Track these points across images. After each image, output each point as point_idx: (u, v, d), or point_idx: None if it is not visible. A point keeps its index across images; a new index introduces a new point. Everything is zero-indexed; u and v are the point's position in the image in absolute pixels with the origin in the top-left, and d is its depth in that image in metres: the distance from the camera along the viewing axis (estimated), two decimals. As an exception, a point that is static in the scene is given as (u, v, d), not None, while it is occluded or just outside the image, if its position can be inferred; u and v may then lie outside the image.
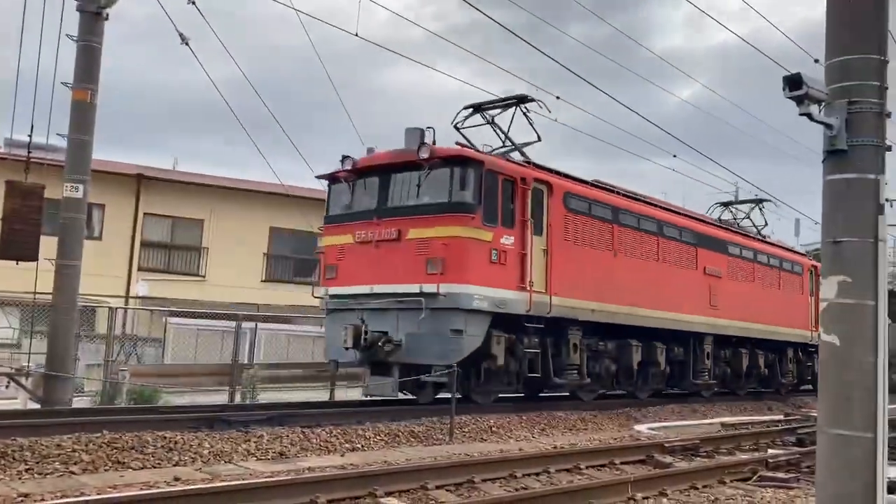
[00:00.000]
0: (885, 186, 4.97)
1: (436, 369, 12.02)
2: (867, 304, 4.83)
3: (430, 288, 11.90)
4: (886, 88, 5.01)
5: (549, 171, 14.22)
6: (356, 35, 13.00)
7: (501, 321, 12.62)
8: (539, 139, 14.63)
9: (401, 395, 13.48)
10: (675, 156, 19.24)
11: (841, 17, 5.08)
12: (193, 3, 12.62)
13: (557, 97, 14.45)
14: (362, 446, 9.86)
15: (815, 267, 21.92)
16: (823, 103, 5.00)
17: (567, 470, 8.90)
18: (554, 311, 13.32)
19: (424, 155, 12.24)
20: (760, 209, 22.57)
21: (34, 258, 12.06)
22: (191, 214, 26.01)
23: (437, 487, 7.47)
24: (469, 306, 12.00)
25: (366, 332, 12.36)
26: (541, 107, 14.20)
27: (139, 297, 23.48)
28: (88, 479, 7.18)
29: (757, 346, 19.90)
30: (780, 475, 9.12)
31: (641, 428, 13.39)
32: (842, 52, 5.02)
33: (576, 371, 14.17)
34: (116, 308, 16.22)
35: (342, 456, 9.19)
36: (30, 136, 12.29)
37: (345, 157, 13.49)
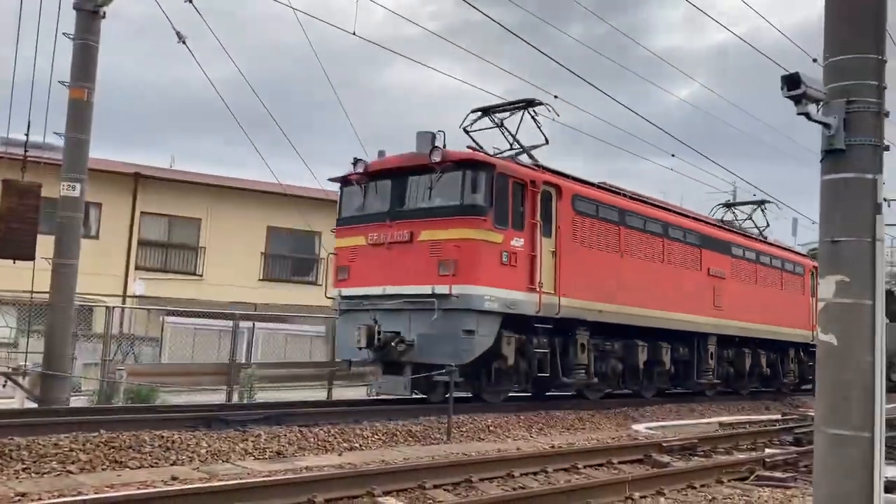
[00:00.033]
0: (883, 186, 4.98)
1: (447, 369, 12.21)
2: (865, 304, 4.83)
3: (442, 289, 12.11)
4: (885, 88, 5.02)
5: (558, 173, 14.41)
6: (354, 34, 13.03)
7: (511, 322, 12.82)
8: (546, 142, 14.91)
9: (400, 396, 13.48)
10: (673, 155, 19.30)
11: (839, 16, 5.09)
12: (190, 1, 12.60)
13: (556, 96, 14.52)
14: (360, 445, 9.86)
15: (816, 268, 22.02)
16: (821, 103, 5.00)
17: (565, 469, 8.90)
18: (563, 311, 13.52)
19: (437, 159, 12.42)
20: (762, 210, 22.73)
21: (31, 257, 12.04)
22: (188, 213, 25.98)
23: (435, 487, 7.47)
24: (480, 307, 12.20)
25: (379, 333, 12.55)
26: (549, 110, 14.41)
27: (136, 297, 23.44)
28: (86, 479, 7.17)
29: (759, 346, 20.12)
30: (778, 475, 9.13)
31: (639, 427, 13.41)
32: (840, 51, 5.02)
33: (583, 371, 14.38)
34: (113, 307, 16.17)
35: (340, 455, 9.19)
36: (27, 134, 12.25)
37: (356, 161, 13.66)
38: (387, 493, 7.06)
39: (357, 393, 16.81)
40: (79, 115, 12.49)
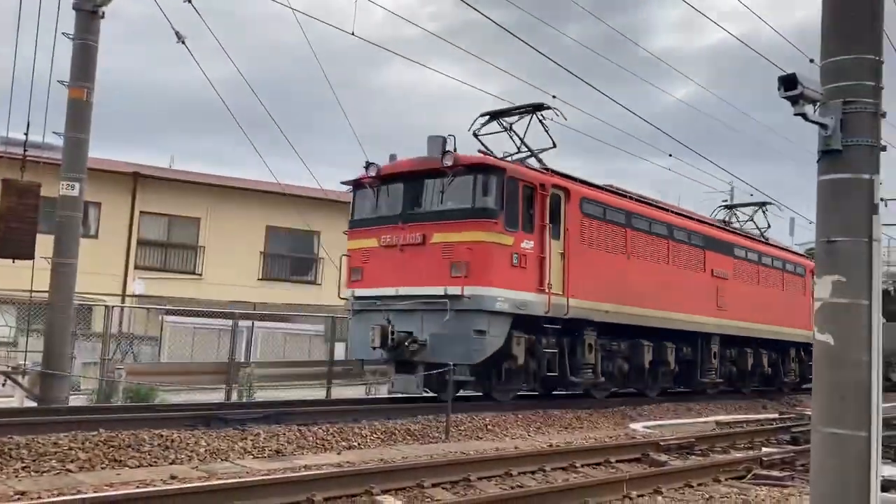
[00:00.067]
0: (880, 186, 5.00)
1: (458, 368, 12.46)
2: (861, 304, 4.85)
3: (454, 290, 12.35)
4: (882, 88, 5.04)
5: (566, 176, 14.65)
6: (353, 34, 13.07)
7: (521, 322, 13.05)
8: (554, 145, 15.07)
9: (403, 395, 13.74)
10: (670, 155, 19.36)
11: (837, 17, 5.11)
12: (189, 1, 12.61)
13: (554, 96, 14.59)
14: (359, 444, 9.88)
15: None
16: (818, 103, 5.02)
17: (563, 468, 8.93)
18: (571, 312, 13.76)
19: (449, 163, 12.68)
20: (763, 212, 22.83)
21: (30, 256, 12.04)
22: (187, 213, 25.97)
23: (434, 485, 7.50)
24: (492, 308, 12.44)
25: (393, 333, 12.74)
26: (557, 114, 14.59)
27: (135, 296, 23.43)
28: (85, 477, 7.19)
29: (761, 345, 20.35)
30: (775, 473, 9.16)
31: (637, 426, 13.45)
32: (837, 52, 5.04)
33: (591, 370, 14.60)
34: (113, 306, 16.18)
35: (338, 454, 9.21)
36: (26, 134, 12.25)
37: (369, 164, 13.89)
38: (385, 492, 7.08)
39: (356, 392, 16.83)
40: (78, 115, 12.50)
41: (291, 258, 27.77)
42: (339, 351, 17.88)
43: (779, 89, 4.89)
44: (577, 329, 14.29)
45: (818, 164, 5.09)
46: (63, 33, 12.42)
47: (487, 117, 15.01)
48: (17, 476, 7.07)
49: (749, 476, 9.07)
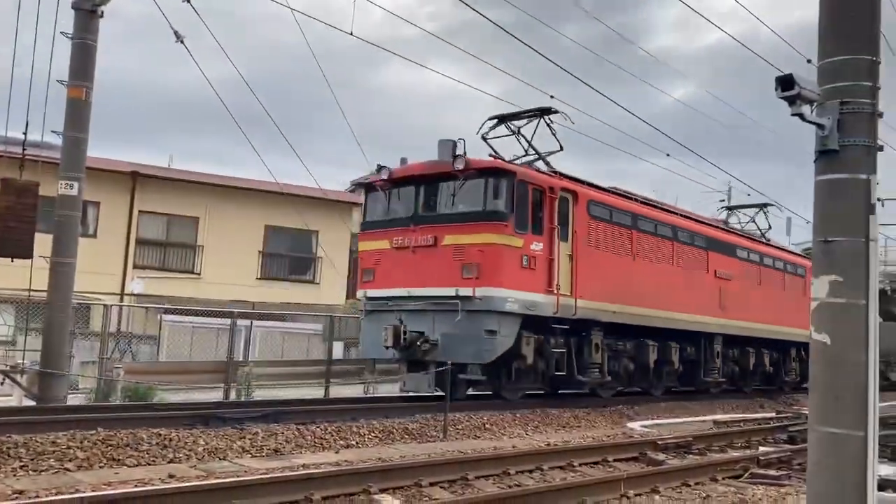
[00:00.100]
0: (877, 186, 5.01)
1: (470, 368, 12.89)
2: (858, 304, 4.86)
3: (465, 291, 12.64)
4: (878, 89, 5.05)
5: (574, 179, 14.86)
6: (352, 34, 13.11)
7: (530, 322, 13.27)
8: (561, 148, 15.21)
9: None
10: (668, 155, 19.46)
11: (834, 18, 5.12)
12: (188, 1, 12.61)
13: (552, 96, 14.65)
14: (357, 443, 9.89)
15: None
16: (815, 104, 5.03)
17: (560, 467, 8.94)
18: (579, 312, 13.97)
19: (460, 166, 12.94)
20: (765, 213, 22.94)
21: (29, 256, 12.05)
22: (186, 212, 25.94)
23: (432, 484, 7.51)
24: (502, 308, 12.65)
25: (405, 332, 12.95)
26: (565, 118, 14.77)
27: (134, 295, 23.42)
28: (83, 476, 7.20)
29: (763, 345, 20.51)
30: (772, 472, 9.18)
31: (634, 425, 13.48)
32: (834, 52, 5.05)
33: (597, 369, 14.80)
34: (111, 305, 16.17)
35: (337, 453, 9.22)
36: (25, 133, 12.27)
37: (381, 167, 14.13)
38: (383, 491, 7.09)
39: (354, 391, 16.84)
40: (77, 114, 12.50)
41: (290, 257, 27.76)
42: (338, 350, 17.90)
43: (776, 89, 4.90)
44: (584, 329, 14.49)
45: (815, 164, 5.10)
46: (62, 32, 12.43)
47: (496, 121, 15.16)
48: (15, 475, 7.08)
49: (746, 475, 9.09)
